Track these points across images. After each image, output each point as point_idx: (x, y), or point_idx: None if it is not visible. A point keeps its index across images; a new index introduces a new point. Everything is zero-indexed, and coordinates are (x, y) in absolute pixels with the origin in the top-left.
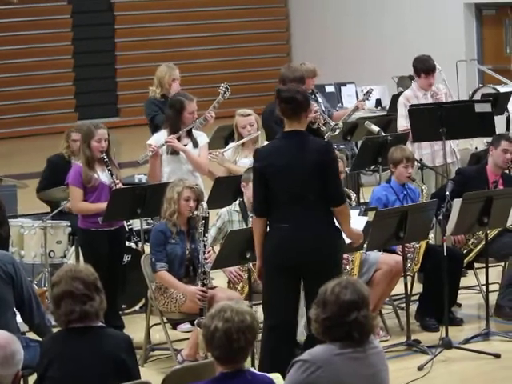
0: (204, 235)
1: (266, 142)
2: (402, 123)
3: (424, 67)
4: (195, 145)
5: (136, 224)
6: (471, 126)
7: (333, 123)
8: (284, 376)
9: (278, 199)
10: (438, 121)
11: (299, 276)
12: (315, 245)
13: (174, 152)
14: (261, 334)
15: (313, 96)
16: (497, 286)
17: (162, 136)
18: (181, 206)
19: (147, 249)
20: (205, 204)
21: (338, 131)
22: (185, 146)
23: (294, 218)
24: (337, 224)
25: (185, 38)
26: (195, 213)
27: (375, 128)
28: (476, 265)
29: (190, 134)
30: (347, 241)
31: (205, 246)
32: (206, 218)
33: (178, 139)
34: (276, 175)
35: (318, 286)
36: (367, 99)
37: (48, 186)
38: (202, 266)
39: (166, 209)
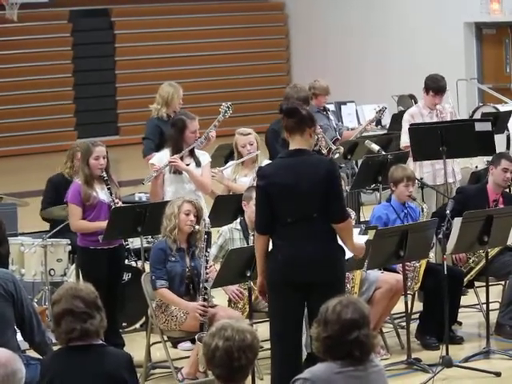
0: (206, 250)
1: (267, 161)
2: (405, 140)
3: (436, 86)
4: (198, 164)
5: (136, 242)
6: (471, 145)
7: (334, 147)
8: None
9: (282, 217)
10: (438, 140)
11: (304, 294)
12: (321, 263)
13: (176, 171)
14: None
15: (324, 113)
16: (497, 305)
17: (164, 155)
18: (181, 220)
19: (147, 267)
20: (207, 219)
21: (337, 155)
22: (187, 165)
23: (299, 236)
24: (339, 241)
25: (185, 57)
26: (197, 227)
27: (375, 147)
28: (476, 283)
29: (192, 153)
30: (349, 255)
31: (207, 261)
32: (209, 233)
33: (181, 159)
34: (281, 194)
35: (322, 304)
36: (380, 117)
37: (51, 206)
38: (203, 281)
39: (166, 225)
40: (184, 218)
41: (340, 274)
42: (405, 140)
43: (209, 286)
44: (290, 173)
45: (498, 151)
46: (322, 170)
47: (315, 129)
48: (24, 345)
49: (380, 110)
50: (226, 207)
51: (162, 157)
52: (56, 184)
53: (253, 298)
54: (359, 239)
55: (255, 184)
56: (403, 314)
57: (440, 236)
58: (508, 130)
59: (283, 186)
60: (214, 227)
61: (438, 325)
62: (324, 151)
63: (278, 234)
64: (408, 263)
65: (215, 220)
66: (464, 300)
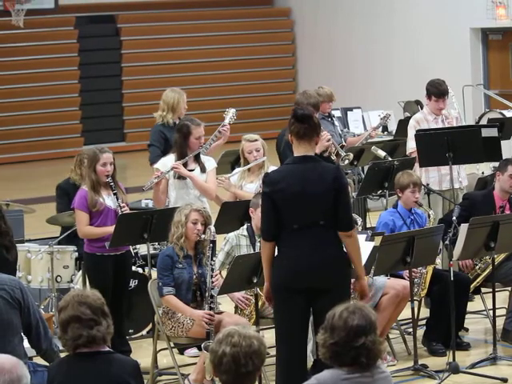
0: (212, 259)
1: (273, 167)
2: (411, 146)
3: (436, 91)
4: (203, 170)
5: (143, 249)
6: (478, 151)
7: (343, 154)
8: None
9: (288, 224)
10: (444, 145)
11: (309, 299)
12: (325, 269)
13: (180, 177)
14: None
15: (329, 119)
16: (504, 311)
17: (169, 161)
18: (188, 228)
19: (154, 274)
20: (213, 228)
21: (346, 162)
22: (192, 170)
23: (305, 242)
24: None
25: (191, 63)
26: (203, 236)
27: (382, 153)
28: (483, 289)
29: (197, 158)
30: None
31: (212, 270)
32: (214, 242)
33: (186, 164)
34: (288, 200)
35: (327, 311)
36: (385, 123)
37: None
38: (209, 289)
39: (173, 233)
40: (191, 226)
41: (344, 280)
42: (410, 146)
43: (215, 293)
44: (298, 179)
45: (504, 157)
46: (330, 177)
47: (320, 136)
48: (31, 352)
49: (384, 117)
50: (233, 214)
51: (167, 162)
52: (65, 189)
53: (259, 304)
54: (365, 246)
55: (261, 191)
56: (410, 320)
57: (447, 242)
58: None
59: (290, 192)
60: (220, 234)
61: (444, 331)
62: (334, 158)
63: (284, 241)
64: (415, 269)
65: (222, 226)
66: (470, 306)
